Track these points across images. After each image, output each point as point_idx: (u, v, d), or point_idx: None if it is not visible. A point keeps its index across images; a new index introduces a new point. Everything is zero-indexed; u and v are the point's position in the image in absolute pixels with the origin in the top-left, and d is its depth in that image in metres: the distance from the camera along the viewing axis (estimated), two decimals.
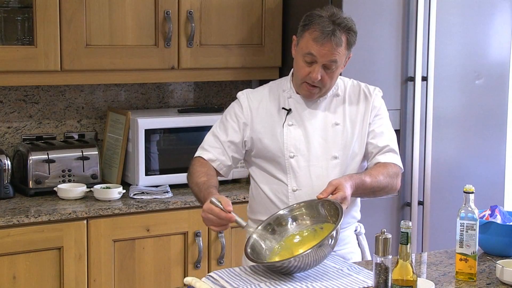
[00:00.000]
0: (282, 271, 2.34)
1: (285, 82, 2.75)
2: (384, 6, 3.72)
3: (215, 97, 4.23)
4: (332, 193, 2.45)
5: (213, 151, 2.71)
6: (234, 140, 2.71)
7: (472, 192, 2.47)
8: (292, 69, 2.72)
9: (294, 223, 2.52)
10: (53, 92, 3.84)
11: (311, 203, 2.52)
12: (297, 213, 2.53)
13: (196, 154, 2.74)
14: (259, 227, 2.50)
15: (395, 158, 2.70)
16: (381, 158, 2.68)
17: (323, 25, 2.55)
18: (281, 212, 2.54)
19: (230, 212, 2.38)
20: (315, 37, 2.55)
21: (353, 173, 2.66)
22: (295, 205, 2.55)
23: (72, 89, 3.87)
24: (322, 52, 2.55)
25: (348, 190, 2.45)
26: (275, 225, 2.52)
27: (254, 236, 2.48)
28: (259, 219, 2.67)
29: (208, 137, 2.76)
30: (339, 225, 2.33)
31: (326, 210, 2.46)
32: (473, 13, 3.93)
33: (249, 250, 2.43)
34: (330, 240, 2.31)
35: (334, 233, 2.31)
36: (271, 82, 2.81)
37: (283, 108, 2.70)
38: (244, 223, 2.46)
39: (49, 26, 3.43)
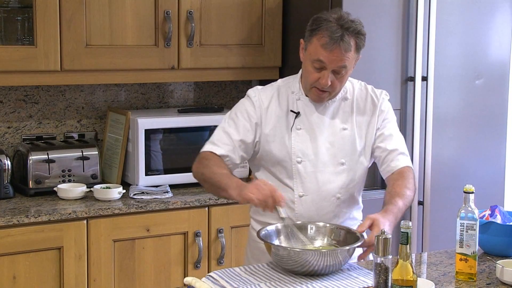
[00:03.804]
0: (288, 265, 2.35)
1: (294, 83, 2.71)
2: (384, 6, 3.72)
3: (215, 97, 4.23)
4: (370, 228, 2.42)
5: (224, 147, 2.65)
6: (246, 139, 2.66)
7: (472, 192, 2.47)
8: (301, 70, 2.68)
9: (317, 235, 2.54)
10: (53, 92, 3.84)
11: (336, 227, 2.54)
12: (321, 230, 2.54)
13: (206, 149, 2.68)
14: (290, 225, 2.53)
15: (407, 161, 2.69)
16: (394, 164, 2.66)
17: (331, 31, 2.50)
18: (309, 224, 2.55)
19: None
20: (324, 43, 2.51)
21: (388, 204, 2.58)
22: (328, 225, 2.55)
23: (72, 89, 3.87)
24: (331, 58, 2.52)
25: (385, 226, 2.40)
26: (298, 230, 2.53)
27: (273, 227, 2.50)
28: (265, 221, 2.67)
29: (219, 133, 2.69)
30: (356, 245, 2.37)
31: (347, 237, 2.48)
32: (473, 13, 3.94)
33: (263, 232, 2.45)
34: (345, 252, 2.34)
35: (349, 249, 2.36)
36: (279, 81, 2.76)
37: (291, 110, 2.68)
38: (285, 215, 2.48)
39: (49, 26, 3.44)
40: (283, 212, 2.47)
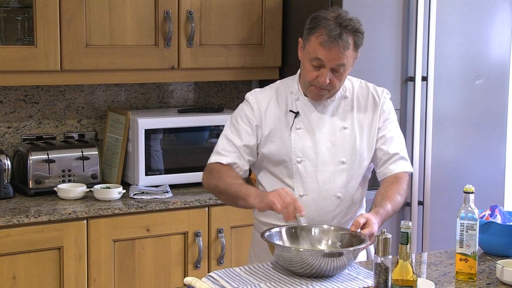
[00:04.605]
0: (291, 266, 2.34)
1: (292, 83, 2.71)
2: (384, 6, 3.72)
3: (215, 97, 4.23)
4: (362, 226, 2.44)
5: (229, 155, 2.65)
6: (249, 143, 2.66)
7: (472, 192, 2.47)
8: (300, 70, 2.68)
9: (321, 238, 2.53)
10: (53, 92, 3.84)
11: (340, 230, 2.53)
12: (326, 232, 2.54)
13: (213, 160, 2.68)
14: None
15: (406, 166, 2.71)
16: (393, 168, 2.67)
17: (329, 29, 2.51)
18: (312, 227, 2.55)
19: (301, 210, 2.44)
20: (322, 42, 2.51)
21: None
22: (325, 226, 2.56)
23: (72, 89, 3.87)
24: (329, 56, 2.52)
25: (375, 227, 2.45)
26: (301, 231, 2.53)
27: (277, 230, 2.50)
28: (268, 222, 2.67)
29: (222, 141, 2.69)
30: (361, 247, 2.37)
31: (352, 241, 2.47)
32: (473, 13, 3.94)
33: (267, 234, 2.45)
34: (350, 253, 2.34)
35: (355, 249, 2.35)
36: (278, 82, 2.77)
37: (290, 111, 2.67)
38: (305, 224, 2.49)
39: (49, 26, 3.44)
40: (303, 221, 2.48)
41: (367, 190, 2.80)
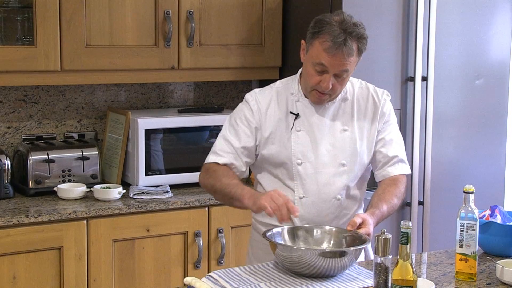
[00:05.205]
0: (293, 266, 2.35)
1: (293, 84, 2.70)
2: (384, 6, 3.72)
3: (215, 97, 4.23)
4: (358, 227, 2.45)
5: (227, 156, 2.65)
6: (247, 145, 2.65)
7: (472, 192, 2.47)
8: (301, 70, 2.67)
9: (322, 239, 2.53)
10: (53, 92, 3.84)
11: (341, 231, 2.53)
12: (327, 233, 2.54)
13: (210, 160, 2.67)
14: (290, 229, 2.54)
15: (404, 168, 2.71)
16: (391, 170, 2.68)
17: (334, 35, 2.49)
18: (314, 228, 2.55)
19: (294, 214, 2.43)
20: (326, 48, 2.50)
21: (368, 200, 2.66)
22: (326, 228, 2.56)
23: (72, 89, 3.87)
24: (333, 62, 2.51)
25: (371, 227, 2.45)
26: (302, 232, 2.54)
27: (279, 230, 2.50)
28: (267, 222, 2.66)
29: (220, 142, 2.68)
30: (363, 246, 2.37)
31: (353, 242, 2.47)
32: (473, 13, 3.94)
33: (268, 233, 2.46)
34: (352, 253, 2.34)
35: (357, 249, 2.35)
36: (278, 82, 2.75)
37: (291, 112, 2.66)
38: (298, 224, 2.52)
39: (49, 26, 3.44)
40: (297, 221, 2.49)
41: (366, 190, 2.80)
